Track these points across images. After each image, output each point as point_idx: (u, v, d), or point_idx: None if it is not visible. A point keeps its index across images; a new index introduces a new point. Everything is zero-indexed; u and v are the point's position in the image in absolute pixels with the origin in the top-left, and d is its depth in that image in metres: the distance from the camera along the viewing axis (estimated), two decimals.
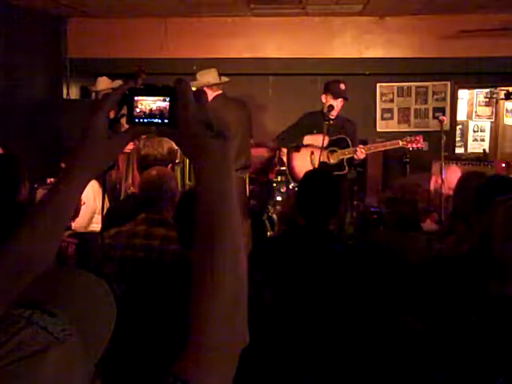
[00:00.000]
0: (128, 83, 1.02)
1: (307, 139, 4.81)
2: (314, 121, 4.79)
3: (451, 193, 4.15)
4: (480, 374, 1.69)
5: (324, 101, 4.75)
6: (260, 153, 5.75)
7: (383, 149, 4.90)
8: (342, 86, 4.71)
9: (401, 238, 2.82)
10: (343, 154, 4.70)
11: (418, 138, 4.70)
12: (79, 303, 0.88)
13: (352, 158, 4.70)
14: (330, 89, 4.73)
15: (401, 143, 4.73)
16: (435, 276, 2.14)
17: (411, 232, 2.85)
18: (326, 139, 4.52)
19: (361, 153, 4.64)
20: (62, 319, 0.82)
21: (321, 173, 2.94)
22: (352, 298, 2.31)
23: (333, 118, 4.66)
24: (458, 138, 7.58)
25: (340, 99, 4.69)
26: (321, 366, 2.20)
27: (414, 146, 4.70)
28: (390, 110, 6.75)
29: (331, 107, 4.64)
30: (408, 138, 4.72)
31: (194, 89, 0.96)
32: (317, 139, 4.65)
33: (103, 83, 5.60)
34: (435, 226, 3.49)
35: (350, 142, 4.71)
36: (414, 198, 2.90)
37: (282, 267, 2.34)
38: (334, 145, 4.72)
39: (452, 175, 4.26)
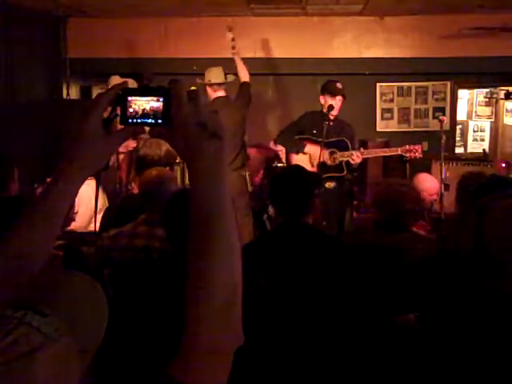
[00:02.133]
0: (122, 84, 1.03)
1: (306, 149, 4.84)
2: (314, 120, 4.80)
3: (430, 198, 4.20)
4: (473, 366, 1.70)
5: (323, 102, 4.79)
6: (258, 153, 5.74)
7: (382, 155, 5.00)
8: (339, 85, 4.78)
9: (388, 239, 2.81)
10: (342, 157, 4.73)
11: (416, 147, 4.80)
12: (72, 304, 0.88)
13: (349, 162, 4.72)
14: (327, 89, 4.79)
15: (399, 151, 4.81)
16: (429, 274, 2.14)
17: (401, 234, 2.82)
18: (324, 154, 4.60)
19: (357, 157, 4.66)
20: (54, 319, 0.82)
21: (291, 169, 2.96)
22: (330, 292, 2.32)
23: (333, 118, 4.68)
24: (457, 138, 7.57)
25: (338, 97, 4.74)
26: (315, 363, 2.21)
27: (412, 155, 4.79)
28: (390, 110, 6.74)
29: (331, 107, 4.66)
30: (407, 147, 4.81)
31: (192, 88, 0.96)
32: (316, 149, 4.69)
33: (116, 81, 5.61)
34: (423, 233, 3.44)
35: (349, 145, 4.73)
36: (400, 199, 2.85)
37: (263, 264, 2.36)
38: (334, 146, 4.74)
39: (426, 183, 4.29)
